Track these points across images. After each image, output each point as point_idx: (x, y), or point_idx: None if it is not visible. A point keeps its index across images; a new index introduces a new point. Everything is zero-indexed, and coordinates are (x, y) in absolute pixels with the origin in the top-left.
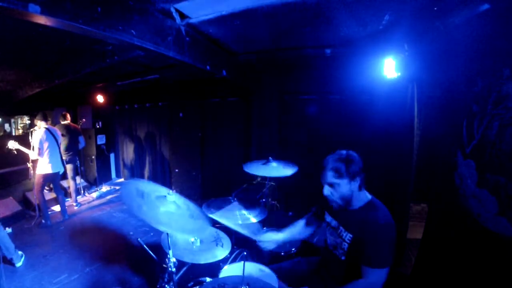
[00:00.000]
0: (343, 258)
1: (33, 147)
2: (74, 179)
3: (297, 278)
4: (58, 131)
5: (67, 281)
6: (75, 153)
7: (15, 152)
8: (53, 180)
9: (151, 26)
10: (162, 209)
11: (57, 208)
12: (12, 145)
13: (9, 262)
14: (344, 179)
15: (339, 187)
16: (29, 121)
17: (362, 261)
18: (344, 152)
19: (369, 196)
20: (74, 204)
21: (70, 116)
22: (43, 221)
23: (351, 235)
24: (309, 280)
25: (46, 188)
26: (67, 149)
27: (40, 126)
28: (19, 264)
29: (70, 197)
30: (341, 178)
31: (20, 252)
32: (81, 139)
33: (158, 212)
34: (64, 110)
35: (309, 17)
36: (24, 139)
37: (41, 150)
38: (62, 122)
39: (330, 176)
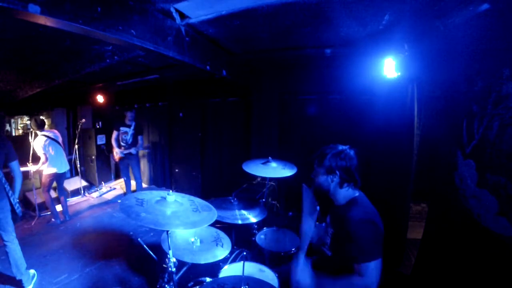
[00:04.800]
0: (329, 253)
1: (31, 157)
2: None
3: None
4: (56, 133)
5: (67, 281)
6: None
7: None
8: (58, 180)
9: (151, 26)
10: (164, 210)
11: (58, 208)
12: None
13: (19, 284)
14: (321, 169)
15: (317, 174)
16: (29, 121)
17: (350, 260)
18: (340, 147)
19: (355, 194)
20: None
21: (73, 116)
22: (52, 219)
23: (332, 230)
24: None
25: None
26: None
27: (38, 134)
28: (29, 287)
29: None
30: (319, 167)
31: (32, 272)
32: (141, 138)
33: (161, 214)
34: (64, 110)
35: (309, 17)
36: (24, 140)
37: (47, 155)
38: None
39: (315, 162)
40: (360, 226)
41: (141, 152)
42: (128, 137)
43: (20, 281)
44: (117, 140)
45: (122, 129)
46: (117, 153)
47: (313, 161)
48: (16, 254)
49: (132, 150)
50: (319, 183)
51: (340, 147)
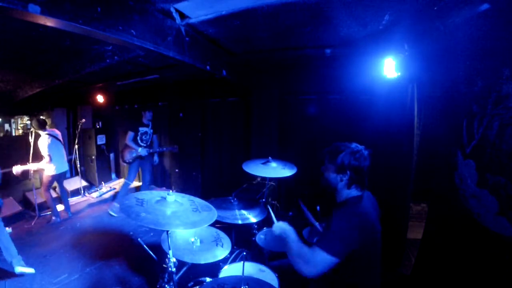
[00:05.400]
0: None
1: (32, 154)
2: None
3: (297, 277)
4: (57, 132)
5: (67, 281)
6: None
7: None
8: (58, 180)
9: (151, 26)
10: (164, 210)
11: (60, 207)
12: (16, 169)
13: (8, 268)
14: (332, 165)
15: (327, 170)
16: (29, 121)
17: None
18: (355, 145)
19: (358, 194)
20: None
21: (73, 116)
22: (53, 218)
23: (323, 224)
24: (308, 279)
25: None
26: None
27: (41, 134)
28: (18, 267)
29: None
30: (330, 163)
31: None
32: (156, 137)
33: (161, 214)
34: (64, 110)
35: (309, 17)
36: (24, 140)
37: (51, 155)
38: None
39: (326, 157)
40: (340, 216)
41: None
42: (148, 137)
43: (11, 262)
44: (134, 141)
45: (141, 129)
46: (138, 152)
47: (324, 156)
48: (4, 237)
49: (156, 150)
50: (327, 179)
51: (355, 146)
